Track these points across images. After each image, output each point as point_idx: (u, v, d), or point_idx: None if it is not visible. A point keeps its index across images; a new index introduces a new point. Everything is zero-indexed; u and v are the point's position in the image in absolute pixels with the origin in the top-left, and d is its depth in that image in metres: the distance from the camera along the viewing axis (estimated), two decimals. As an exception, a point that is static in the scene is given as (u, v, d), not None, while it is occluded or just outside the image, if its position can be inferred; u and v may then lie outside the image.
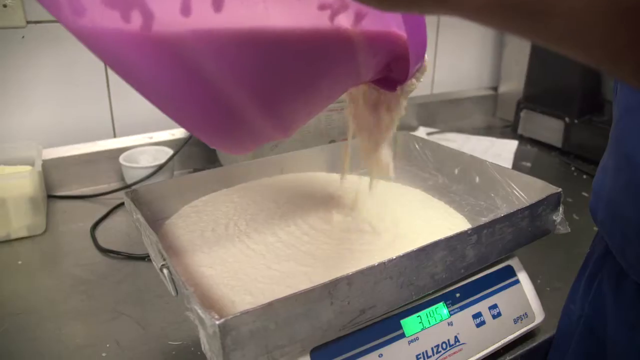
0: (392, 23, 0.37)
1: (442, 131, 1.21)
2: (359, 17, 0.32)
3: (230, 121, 0.31)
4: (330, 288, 0.37)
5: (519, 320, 0.52)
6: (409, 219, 0.55)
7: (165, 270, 0.41)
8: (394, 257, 0.40)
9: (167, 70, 0.26)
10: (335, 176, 0.67)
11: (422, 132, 1.17)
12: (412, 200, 0.61)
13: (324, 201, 0.58)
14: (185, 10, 0.25)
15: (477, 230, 0.46)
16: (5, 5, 0.83)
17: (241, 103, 0.29)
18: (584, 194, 0.93)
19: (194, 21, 0.25)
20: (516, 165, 1.06)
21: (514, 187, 0.59)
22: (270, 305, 0.35)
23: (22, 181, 0.72)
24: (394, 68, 0.42)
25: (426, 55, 0.42)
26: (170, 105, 0.28)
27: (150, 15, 0.24)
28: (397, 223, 0.53)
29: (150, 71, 0.26)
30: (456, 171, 0.65)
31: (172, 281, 0.41)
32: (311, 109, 0.36)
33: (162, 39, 0.25)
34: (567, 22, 0.17)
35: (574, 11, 0.17)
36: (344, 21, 0.31)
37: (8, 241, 0.72)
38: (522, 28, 0.19)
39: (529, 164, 1.07)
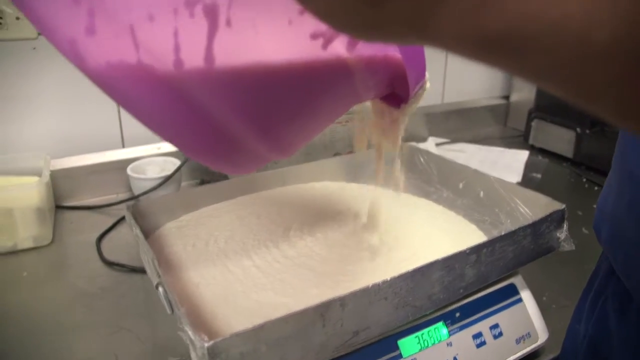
0: (388, 46, 0.37)
1: (452, 141, 1.20)
2: (353, 42, 0.32)
3: (229, 147, 0.31)
4: (323, 310, 0.37)
5: (522, 341, 0.51)
6: (415, 238, 0.54)
7: (160, 288, 0.41)
8: (388, 279, 0.39)
9: (162, 103, 0.27)
10: (339, 185, 0.67)
11: (431, 142, 1.16)
12: (423, 215, 0.60)
13: (322, 215, 0.57)
14: (178, 64, 0.25)
15: (476, 250, 0.45)
16: (18, 18, 0.85)
17: (239, 130, 0.30)
18: (595, 206, 0.91)
19: (189, 62, 0.26)
20: (526, 177, 1.05)
21: (518, 202, 0.58)
22: (261, 327, 0.34)
23: (30, 192, 0.73)
24: (397, 85, 0.42)
25: (427, 74, 0.42)
26: (166, 133, 0.28)
27: (147, 66, 0.25)
28: (400, 242, 0.53)
29: (144, 103, 0.26)
30: (461, 185, 0.65)
31: (167, 299, 0.41)
32: (311, 130, 0.36)
33: (158, 78, 0.26)
34: (545, 59, 0.17)
35: (552, 49, 0.16)
36: (339, 47, 0.31)
37: (14, 252, 0.72)
38: (499, 62, 0.19)
39: (539, 175, 1.05)
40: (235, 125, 0.29)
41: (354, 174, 0.69)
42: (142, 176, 0.87)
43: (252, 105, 0.29)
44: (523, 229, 0.49)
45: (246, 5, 0.25)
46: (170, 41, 0.25)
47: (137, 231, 0.48)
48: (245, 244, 0.52)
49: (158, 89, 0.26)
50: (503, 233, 0.47)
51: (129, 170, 0.88)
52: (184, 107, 0.27)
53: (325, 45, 0.28)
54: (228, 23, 0.25)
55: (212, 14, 0.25)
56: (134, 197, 0.87)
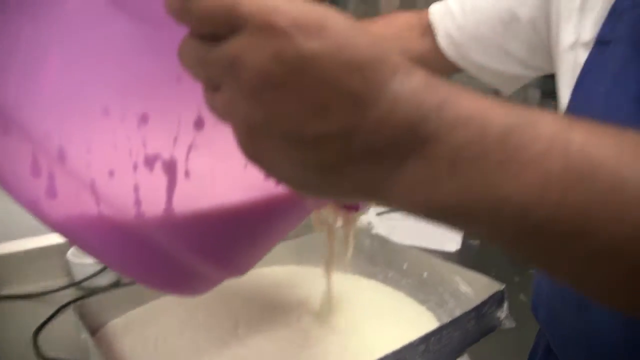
0: None
1: (393, 209, 1.24)
2: None
3: (184, 277, 0.32)
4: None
5: (470, 422, 0.53)
6: (366, 326, 0.56)
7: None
8: (344, 379, 0.40)
9: (121, 247, 0.28)
10: (288, 269, 0.68)
11: (372, 212, 1.20)
12: (373, 298, 0.62)
13: (271, 306, 0.58)
14: (139, 216, 0.26)
15: (424, 340, 0.47)
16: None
17: (195, 263, 0.31)
18: (532, 271, 0.95)
19: (149, 213, 0.27)
20: (465, 244, 1.09)
21: (460, 282, 0.61)
22: None
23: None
24: None
25: None
26: (122, 270, 0.29)
27: (108, 217, 0.26)
28: (352, 332, 0.54)
29: (103, 247, 0.27)
30: (405, 266, 0.67)
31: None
32: (265, 250, 0.37)
33: (118, 227, 0.27)
34: (489, 230, 0.20)
35: (494, 224, 0.19)
36: None
37: (-60, 354, 0.68)
38: (449, 226, 0.21)
39: (477, 242, 1.10)
40: (192, 260, 0.30)
41: (302, 257, 0.70)
42: (83, 261, 0.84)
43: (208, 242, 0.31)
44: (467, 313, 0.51)
45: (203, 156, 0.27)
46: (131, 196, 0.26)
47: (86, 335, 0.47)
48: (194, 343, 0.51)
49: (117, 235, 0.27)
50: (449, 320, 0.49)
51: (69, 255, 0.85)
52: (142, 249, 0.28)
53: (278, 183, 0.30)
54: (186, 174, 0.27)
55: (171, 169, 0.26)
56: (75, 283, 0.84)
